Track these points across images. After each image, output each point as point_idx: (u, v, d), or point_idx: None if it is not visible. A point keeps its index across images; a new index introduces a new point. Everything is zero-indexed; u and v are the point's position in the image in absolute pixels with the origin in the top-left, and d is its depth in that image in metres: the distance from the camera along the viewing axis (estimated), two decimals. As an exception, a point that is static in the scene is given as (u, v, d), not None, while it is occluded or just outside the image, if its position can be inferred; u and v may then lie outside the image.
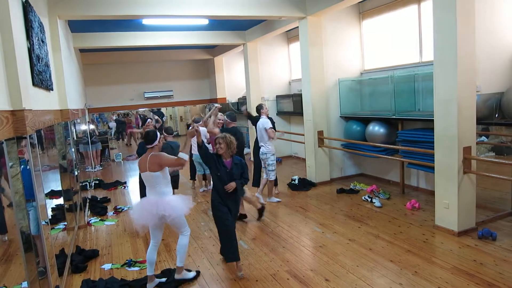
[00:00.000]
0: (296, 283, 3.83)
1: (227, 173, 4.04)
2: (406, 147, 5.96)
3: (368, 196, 6.33)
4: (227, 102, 13.61)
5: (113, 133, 14.86)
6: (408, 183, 6.84)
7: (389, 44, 7.24)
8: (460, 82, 4.39)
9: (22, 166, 2.53)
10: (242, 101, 12.17)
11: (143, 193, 4.69)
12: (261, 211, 5.79)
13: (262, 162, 6.61)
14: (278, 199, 6.74)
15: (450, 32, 4.38)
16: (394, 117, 6.43)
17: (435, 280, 3.67)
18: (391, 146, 6.39)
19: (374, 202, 6.05)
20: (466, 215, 4.69)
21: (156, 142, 3.86)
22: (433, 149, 4.91)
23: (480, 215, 4.96)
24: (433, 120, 4.83)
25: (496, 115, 4.93)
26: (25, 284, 2.65)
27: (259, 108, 6.74)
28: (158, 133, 3.92)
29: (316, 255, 4.44)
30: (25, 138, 2.55)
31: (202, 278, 4.08)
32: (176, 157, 3.75)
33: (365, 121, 7.25)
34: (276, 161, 6.95)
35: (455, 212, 4.64)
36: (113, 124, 14.72)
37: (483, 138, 5.68)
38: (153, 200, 3.80)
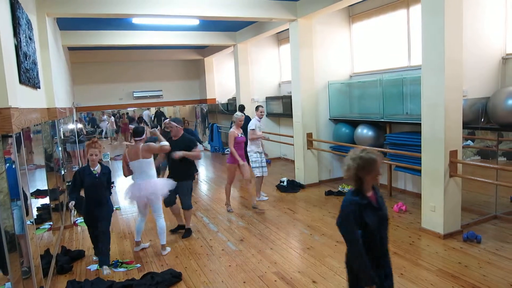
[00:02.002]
0: (283, 284, 3.84)
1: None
2: (394, 150, 6.02)
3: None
4: (217, 102, 13.58)
5: (105, 133, 14.64)
6: (395, 185, 6.91)
7: (378, 48, 7.32)
8: (447, 86, 4.45)
9: (8, 165, 2.49)
10: (232, 101, 12.17)
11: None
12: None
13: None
14: (265, 197, 6.91)
15: (438, 36, 4.44)
16: (383, 120, 6.49)
17: (421, 282, 3.71)
18: (379, 149, 6.43)
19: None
20: (452, 218, 4.75)
21: (144, 136, 4.82)
22: (420, 152, 4.97)
23: (465, 218, 5.03)
24: (420, 123, 4.89)
25: (482, 120, 5.02)
26: (8, 284, 2.61)
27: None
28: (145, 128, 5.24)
29: (304, 257, 4.46)
30: (11, 136, 2.51)
31: (189, 279, 4.06)
32: (160, 145, 4.74)
33: (354, 123, 7.31)
34: (266, 162, 6.97)
35: (441, 215, 4.70)
36: (104, 125, 14.52)
37: (469, 142, 5.77)
38: (143, 183, 4.69)
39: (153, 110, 14.77)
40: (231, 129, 6.28)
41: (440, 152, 4.61)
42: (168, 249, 4.88)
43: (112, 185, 4.81)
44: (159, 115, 15.48)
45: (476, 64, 5.12)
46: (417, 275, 3.84)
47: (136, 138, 4.75)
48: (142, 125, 11.32)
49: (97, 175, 4.31)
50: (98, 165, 4.37)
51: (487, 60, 5.24)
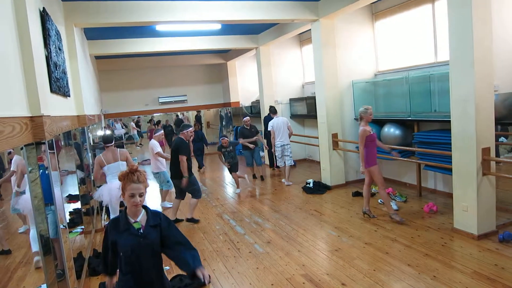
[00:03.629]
0: (312, 287, 3.80)
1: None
2: (423, 149, 5.87)
3: (384, 199, 6.25)
4: (240, 106, 13.64)
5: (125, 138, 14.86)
6: (425, 185, 6.73)
7: (403, 45, 7.17)
8: (477, 81, 4.31)
9: (41, 171, 2.58)
10: (256, 104, 12.18)
11: None
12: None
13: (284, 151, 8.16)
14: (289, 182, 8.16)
15: (466, 30, 4.31)
16: (410, 118, 6.35)
17: (455, 284, 3.59)
18: (407, 148, 6.30)
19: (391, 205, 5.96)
20: (486, 218, 4.58)
21: (112, 143, 5.63)
22: (450, 150, 4.83)
23: (500, 218, 4.84)
24: (449, 121, 4.75)
25: (516, 115, 4.83)
26: (44, 286, 2.69)
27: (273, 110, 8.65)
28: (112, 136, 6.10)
29: (332, 259, 4.40)
30: (44, 143, 2.60)
31: (217, 282, 4.08)
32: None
33: (380, 123, 7.18)
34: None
35: (474, 215, 4.54)
36: (119, 132, 14.67)
37: (502, 138, 5.56)
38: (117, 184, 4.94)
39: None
40: (361, 128, 5.42)
41: (472, 150, 4.46)
42: None
43: None
44: (179, 122, 15.75)
45: (508, 57, 4.94)
46: (450, 278, 3.72)
47: (107, 145, 5.59)
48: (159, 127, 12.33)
49: (141, 231, 2.35)
50: (143, 211, 2.42)
51: (519, 53, 5.04)
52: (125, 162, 5.58)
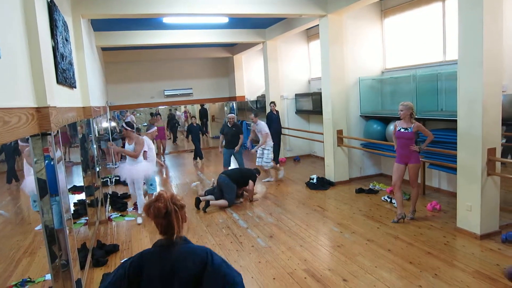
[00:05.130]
0: (313, 282, 3.81)
1: None
2: (428, 148, 5.84)
3: (388, 197, 6.24)
4: (246, 100, 13.62)
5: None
6: (429, 184, 6.71)
7: (411, 43, 7.11)
8: (485, 81, 4.27)
9: (46, 162, 2.60)
10: (261, 99, 12.17)
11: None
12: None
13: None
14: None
15: (476, 29, 4.26)
16: (416, 116, 6.30)
17: (456, 283, 3.59)
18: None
19: (394, 203, 5.96)
20: (489, 218, 4.57)
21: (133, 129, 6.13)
22: (456, 150, 4.80)
23: (504, 218, 4.82)
24: (456, 120, 4.72)
25: (523, 116, 4.78)
26: (48, 276, 2.72)
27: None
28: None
29: (334, 255, 4.41)
30: (50, 134, 2.62)
31: (219, 275, 4.10)
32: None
33: (385, 120, 7.15)
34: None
35: (477, 215, 4.53)
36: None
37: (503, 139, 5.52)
38: (130, 166, 6.07)
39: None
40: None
41: (477, 150, 4.43)
42: (140, 220, 6.07)
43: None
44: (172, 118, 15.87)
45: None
46: (452, 276, 3.72)
47: (128, 129, 6.10)
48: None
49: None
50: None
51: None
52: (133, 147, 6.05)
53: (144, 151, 6.20)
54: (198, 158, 11.59)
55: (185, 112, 18.54)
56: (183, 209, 1.78)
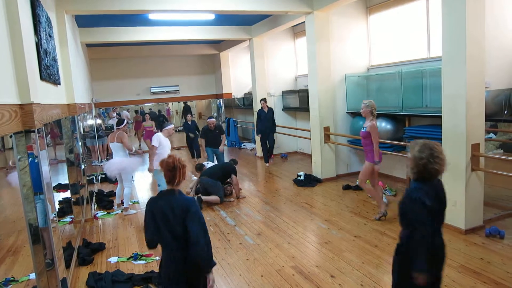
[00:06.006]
0: (301, 279, 3.83)
1: None
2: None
3: (374, 193, 6.30)
4: (233, 97, 13.59)
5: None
6: (414, 180, 6.78)
7: (396, 40, 7.18)
8: (469, 78, 4.34)
9: (30, 159, 2.55)
10: (248, 96, 12.16)
11: None
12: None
13: None
14: None
15: (459, 27, 4.32)
16: (401, 113, 6.39)
17: (442, 278, 3.64)
18: (398, 142, 6.34)
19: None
20: (473, 213, 4.65)
21: (122, 126, 6.40)
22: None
23: (488, 213, 4.92)
24: (441, 116, 4.79)
25: (505, 112, 4.88)
26: (32, 275, 2.67)
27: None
28: (125, 120, 6.68)
29: (321, 251, 4.44)
30: (33, 131, 2.57)
31: (207, 273, 4.09)
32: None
33: (371, 117, 7.20)
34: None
35: (462, 210, 4.61)
36: (114, 121, 14.43)
37: (491, 135, 5.63)
38: (117, 160, 6.30)
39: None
40: (374, 122, 5.15)
41: (462, 146, 4.51)
42: (132, 211, 6.40)
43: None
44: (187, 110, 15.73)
45: (499, 54, 4.98)
46: (437, 270, 3.78)
47: (117, 127, 6.42)
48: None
49: None
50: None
51: (510, 50, 5.08)
52: (119, 144, 6.28)
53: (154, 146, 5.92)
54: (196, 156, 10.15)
55: (168, 109, 18.35)
56: (184, 168, 2.60)
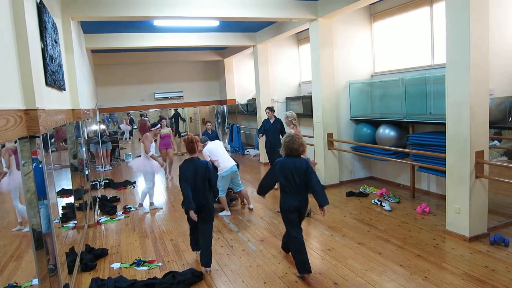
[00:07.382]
0: (304, 286, 3.81)
1: None
2: (417, 151, 5.90)
3: (378, 200, 6.28)
4: (236, 103, 13.62)
5: (126, 137, 14.51)
6: (418, 187, 6.77)
7: (400, 47, 7.19)
8: (473, 85, 4.33)
9: (34, 164, 2.56)
10: (252, 102, 12.18)
11: None
12: None
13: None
14: None
15: (464, 34, 4.33)
16: (405, 120, 6.38)
17: (446, 286, 3.62)
18: (402, 149, 6.33)
19: (384, 206, 6.00)
20: (478, 220, 4.62)
21: (154, 129, 6.97)
22: (445, 153, 4.86)
23: (492, 220, 4.89)
24: (444, 123, 4.78)
25: (510, 119, 4.86)
26: (35, 281, 2.67)
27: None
28: (159, 124, 7.31)
29: (324, 258, 4.42)
30: (38, 137, 2.58)
31: (210, 279, 4.08)
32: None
33: (375, 124, 7.20)
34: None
35: (466, 217, 4.58)
36: (125, 127, 14.36)
37: (496, 142, 5.60)
38: (139, 160, 6.96)
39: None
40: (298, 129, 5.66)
41: (466, 153, 4.49)
42: (146, 209, 6.86)
43: (133, 184, 5.04)
44: (178, 116, 15.63)
45: (503, 62, 4.97)
46: (441, 279, 3.75)
47: (151, 129, 6.97)
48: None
49: None
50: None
51: (515, 57, 5.08)
52: (141, 145, 6.88)
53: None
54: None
55: (161, 116, 17.74)
56: (198, 142, 4.34)
